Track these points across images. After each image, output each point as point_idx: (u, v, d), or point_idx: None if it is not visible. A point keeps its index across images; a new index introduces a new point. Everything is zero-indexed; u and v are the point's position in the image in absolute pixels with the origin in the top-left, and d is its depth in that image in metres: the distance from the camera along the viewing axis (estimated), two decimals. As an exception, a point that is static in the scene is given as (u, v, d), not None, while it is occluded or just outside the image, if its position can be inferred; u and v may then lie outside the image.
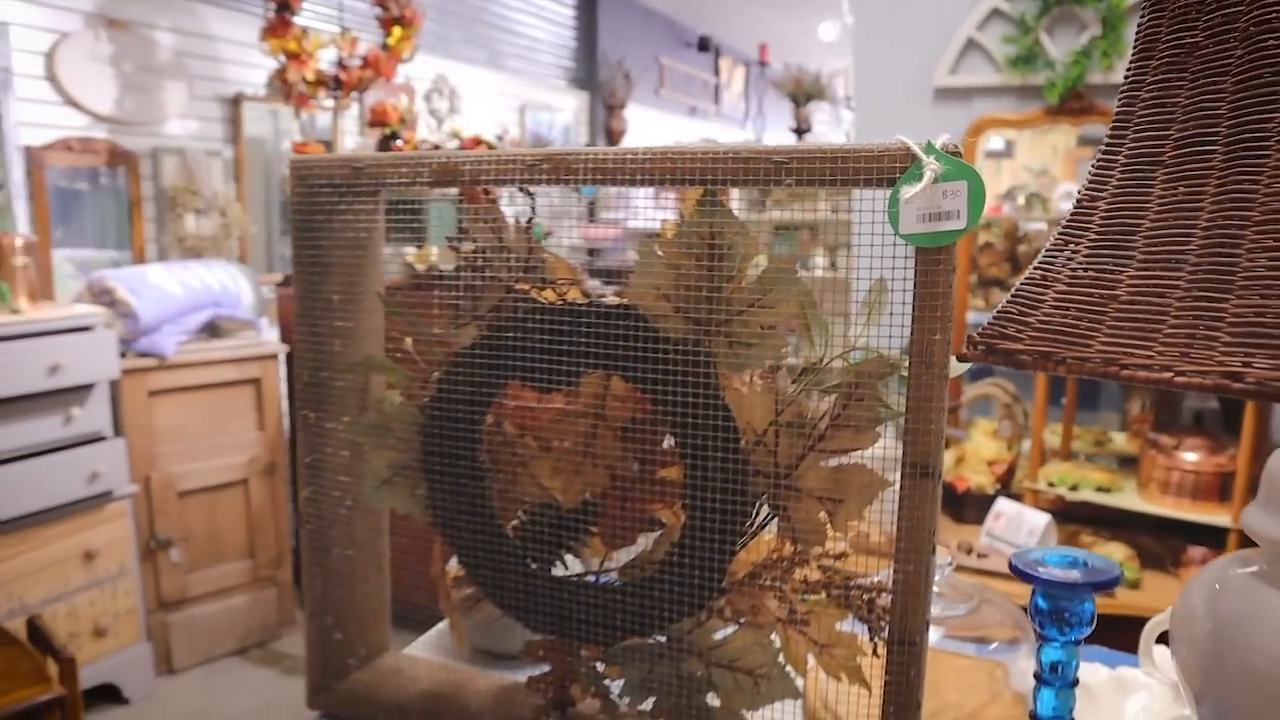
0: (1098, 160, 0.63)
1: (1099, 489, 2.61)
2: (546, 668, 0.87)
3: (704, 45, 8.90)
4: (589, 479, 0.81)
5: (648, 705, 0.82)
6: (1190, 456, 2.48)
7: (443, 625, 1.16)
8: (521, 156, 0.82)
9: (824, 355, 0.72)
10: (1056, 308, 0.59)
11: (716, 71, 9.33)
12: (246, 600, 3.39)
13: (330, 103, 3.47)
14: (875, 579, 0.73)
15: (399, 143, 3.32)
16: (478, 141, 3.22)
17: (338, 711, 0.99)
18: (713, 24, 8.66)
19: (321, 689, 1.00)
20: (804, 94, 7.18)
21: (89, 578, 2.86)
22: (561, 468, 0.82)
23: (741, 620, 0.77)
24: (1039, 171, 3.62)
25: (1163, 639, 0.92)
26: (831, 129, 9.23)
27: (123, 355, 2.98)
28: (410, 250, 3.29)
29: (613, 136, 7.03)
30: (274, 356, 3.34)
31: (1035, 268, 0.62)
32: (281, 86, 3.42)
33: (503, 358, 0.83)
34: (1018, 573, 0.67)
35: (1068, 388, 2.81)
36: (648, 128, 7.68)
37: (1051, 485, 2.67)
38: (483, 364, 0.84)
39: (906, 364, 0.67)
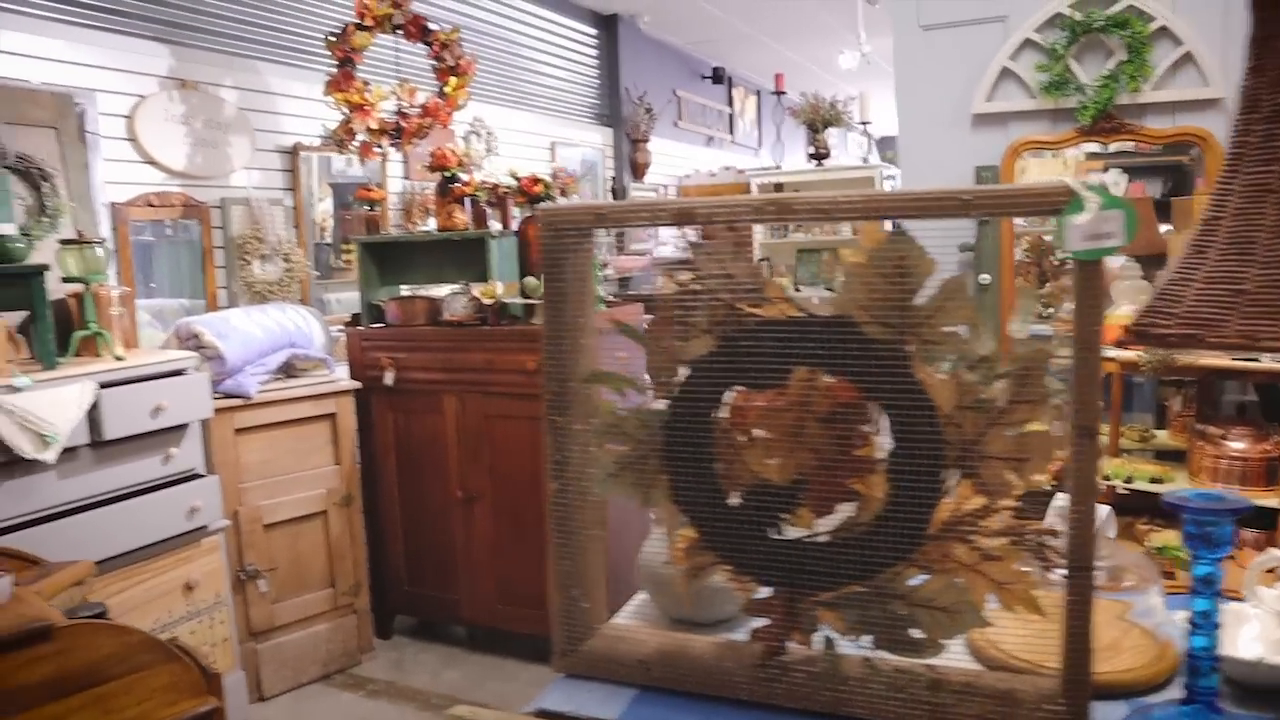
0: (1217, 189, 0.79)
1: (1152, 480, 2.76)
2: (766, 621, 1.03)
3: (717, 77, 9.14)
4: (798, 460, 0.97)
5: (867, 641, 0.98)
6: (1237, 445, 2.64)
7: (637, 600, 1.32)
8: (749, 201, 0.97)
9: (994, 350, 0.88)
10: (1198, 301, 0.75)
11: (730, 101, 9.56)
12: (328, 628, 3.53)
13: (391, 149, 3.66)
14: (1047, 523, 0.89)
15: (458, 185, 3.50)
16: (535, 180, 3.40)
17: (585, 671, 1.14)
18: (725, 56, 8.90)
19: (566, 652, 1.15)
20: (821, 120, 7.37)
21: (189, 608, 3.01)
22: (775, 452, 0.98)
23: (935, 566, 0.93)
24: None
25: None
26: (841, 152, 9.44)
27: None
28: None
29: (637, 168, 7.24)
30: (347, 393, 3.51)
31: (1175, 272, 0.78)
32: (345, 136, 3.61)
33: (735, 363, 0.99)
34: (1172, 506, 0.85)
35: (1113, 390, 2.95)
36: (668, 158, 7.89)
37: (1107, 479, 2.81)
38: (718, 369, 1.00)
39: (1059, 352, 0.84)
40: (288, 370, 3.46)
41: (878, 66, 7.98)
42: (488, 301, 3.36)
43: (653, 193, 7.51)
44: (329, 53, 3.65)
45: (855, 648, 1.00)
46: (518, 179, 3.44)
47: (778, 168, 8.58)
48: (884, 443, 0.93)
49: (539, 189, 3.44)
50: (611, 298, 3.51)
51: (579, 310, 1.14)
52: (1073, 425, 0.85)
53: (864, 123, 7.78)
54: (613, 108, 7.12)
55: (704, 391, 1.02)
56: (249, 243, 3.84)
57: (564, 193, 3.52)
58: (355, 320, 3.71)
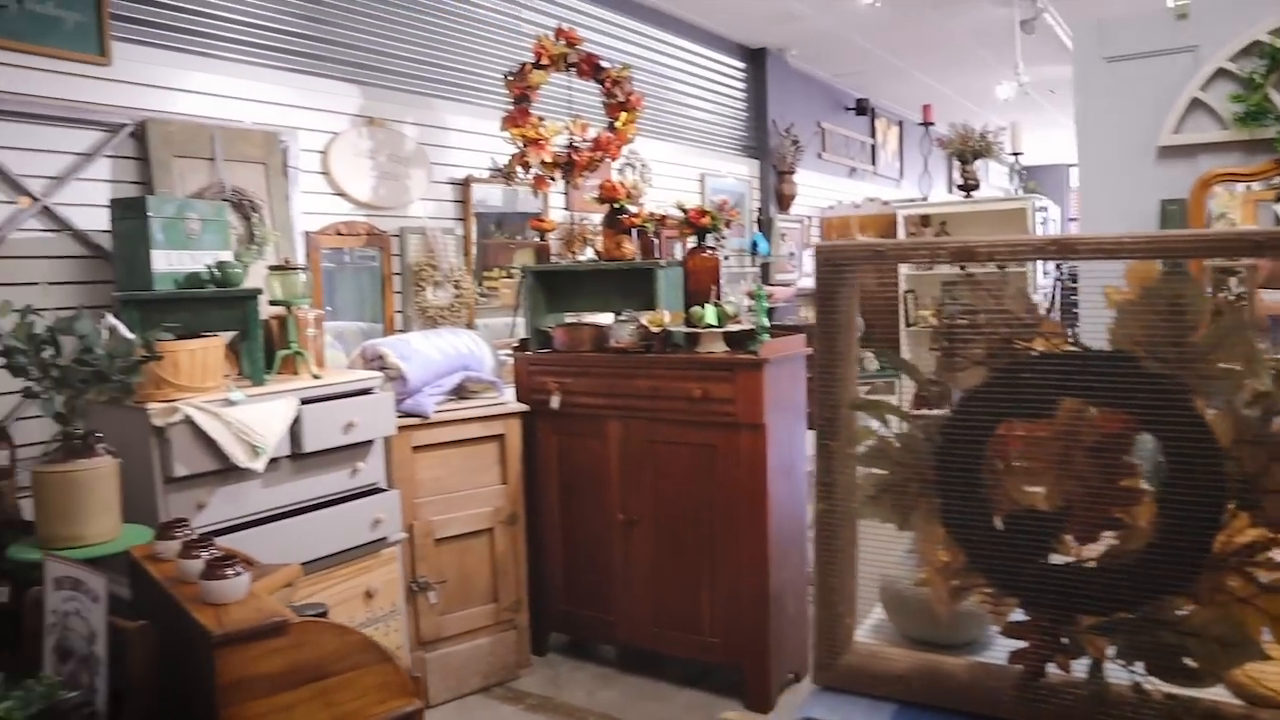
0: None
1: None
2: (1024, 644, 1.05)
3: (861, 108, 9.11)
4: (1064, 488, 0.99)
5: (1139, 668, 0.99)
6: None
7: (871, 621, 1.35)
8: (1031, 240, 1.01)
9: (1272, 387, 0.88)
10: None
11: (872, 132, 9.51)
12: (489, 641, 3.66)
13: (562, 181, 3.81)
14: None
15: (626, 216, 3.62)
16: (703, 213, 3.48)
17: (841, 684, 1.18)
18: (869, 88, 8.87)
19: (826, 666, 1.19)
20: (970, 152, 7.24)
21: (368, 615, 3.17)
22: (1041, 479, 1.00)
23: (1208, 598, 0.93)
24: (1217, 216, 3.66)
25: None
26: (982, 183, 9.24)
27: (394, 415, 3.32)
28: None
29: (783, 200, 7.27)
30: (515, 415, 3.65)
31: None
32: (520, 169, 3.78)
33: (1010, 394, 1.02)
34: None
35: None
36: (812, 189, 7.90)
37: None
38: (992, 399, 1.03)
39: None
40: (460, 392, 3.63)
41: (1029, 97, 7.81)
42: (655, 330, 3.44)
43: (797, 224, 7.52)
44: (495, 89, 3.84)
45: (1122, 673, 1.00)
46: (685, 211, 3.52)
47: (924, 199, 8.47)
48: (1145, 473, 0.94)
49: (706, 221, 3.52)
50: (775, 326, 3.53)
51: (846, 341, 1.19)
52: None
53: (1015, 153, 7.61)
54: (759, 139, 7.19)
55: (977, 420, 1.05)
56: (424, 270, 4.04)
57: (729, 225, 3.58)
58: (523, 345, 3.86)
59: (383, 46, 4.08)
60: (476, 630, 3.63)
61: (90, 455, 2.39)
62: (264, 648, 1.78)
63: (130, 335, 2.47)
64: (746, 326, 3.46)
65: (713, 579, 3.47)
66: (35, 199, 2.95)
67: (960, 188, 7.31)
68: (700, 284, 3.59)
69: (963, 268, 1.08)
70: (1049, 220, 7.52)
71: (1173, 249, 0.91)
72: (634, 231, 3.68)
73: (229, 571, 1.90)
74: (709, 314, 3.45)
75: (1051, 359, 0.99)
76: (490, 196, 4.51)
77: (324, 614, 2.09)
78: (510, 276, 4.51)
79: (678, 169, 6.05)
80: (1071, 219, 14.40)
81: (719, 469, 3.41)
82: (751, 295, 3.54)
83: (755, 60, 7.19)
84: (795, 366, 3.62)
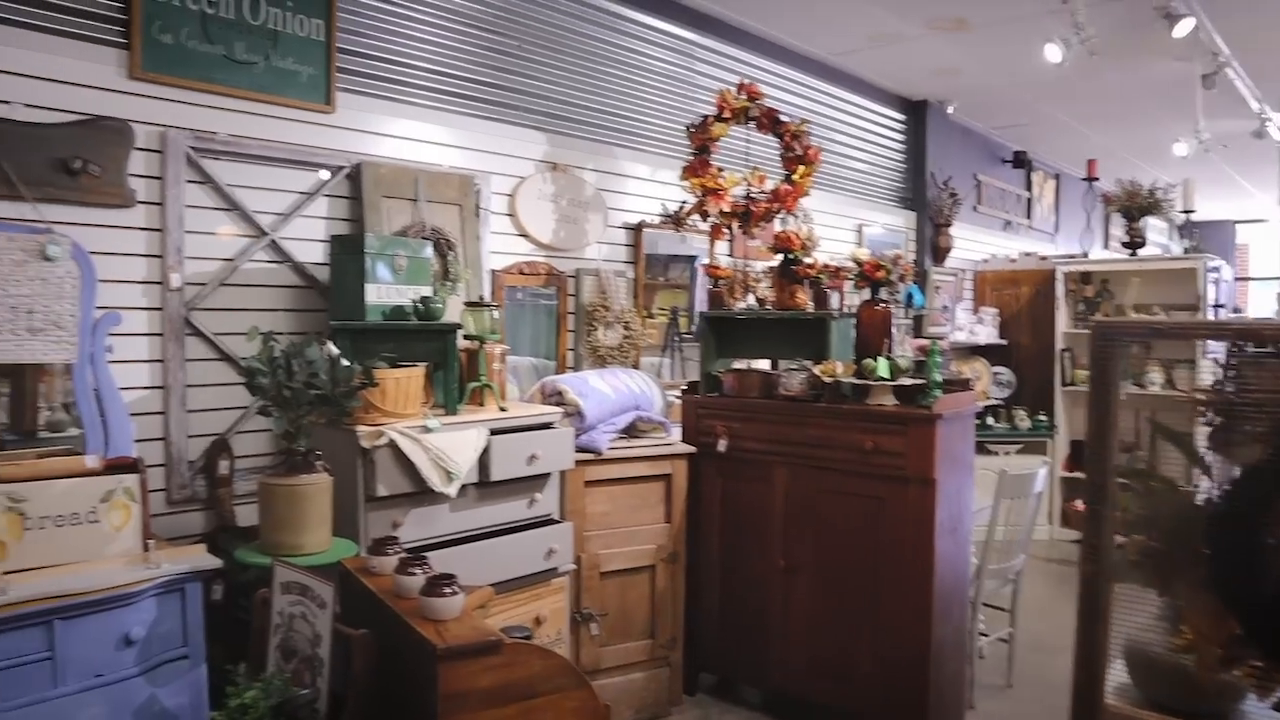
0: None
1: None
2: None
3: (1018, 161, 8.95)
4: None
5: None
6: None
7: (1114, 683, 1.34)
8: None
9: None
10: None
11: (1028, 185, 9.31)
12: (644, 676, 3.72)
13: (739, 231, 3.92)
14: None
15: (801, 266, 3.68)
16: (878, 266, 3.51)
17: None
18: (1028, 140, 8.71)
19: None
20: (1137, 208, 7.02)
21: (536, 642, 3.28)
22: None
23: None
24: None
25: None
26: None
27: (570, 449, 3.45)
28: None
29: (939, 252, 7.20)
30: (683, 456, 3.73)
31: None
32: (699, 217, 3.91)
33: None
34: None
35: None
36: (966, 242, 7.78)
37: None
38: (1273, 475, 1.05)
39: None
40: (631, 431, 3.74)
41: (1206, 153, 7.51)
42: (827, 380, 3.48)
43: (952, 277, 7.43)
44: (669, 138, 3.97)
45: None
46: (860, 263, 3.56)
47: (1084, 255, 8.24)
48: None
49: (881, 274, 3.54)
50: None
51: (1115, 411, 1.21)
52: None
53: (1187, 211, 7.32)
54: (917, 191, 7.16)
55: (1256, 495, 1.06)
56: (597, 310, 4.20)
57: (903, 279, 3.60)
58: (692, 387, 3.95)
59: (567, 97, 4.29)
60: (632, 664, 3.70)
61: (310, 471, 2.59)
62: (480, 664, 1.90)
63: (349, 363, 2.67)
64: (918, 380, 3.46)
65: (872, 631, 3.45)
66: (264, 233, 3.22)
67: (1125, 245, 7.09)
68: (872, 336, 3.61)
69: (1241, 347, 1.10)
70: (1220, 280, 7.20)
71: None
72: (806, 281, 3.74)
73: (447, 590, 2.02)
74: (881, 366, 3.47)
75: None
76: (648, 240, 4.65)
77: (529, 637, 2.19)
78: (652, 317, 4.61)
79: (836, 219, 6.09)
80: (1240, 278, 13.68)
81: (885, 521, 3.41)
82: (924, 350, 3.54)
83: (915, 112, 7.18)
84: (965, 423, 3.59)
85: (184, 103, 3.03)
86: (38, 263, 2.65)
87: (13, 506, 2.40)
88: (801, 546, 3.61)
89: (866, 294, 3.67)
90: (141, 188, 2.94)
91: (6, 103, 2.70)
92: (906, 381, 3.46)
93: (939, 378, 3.43)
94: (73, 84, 2.81)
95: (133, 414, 2.85)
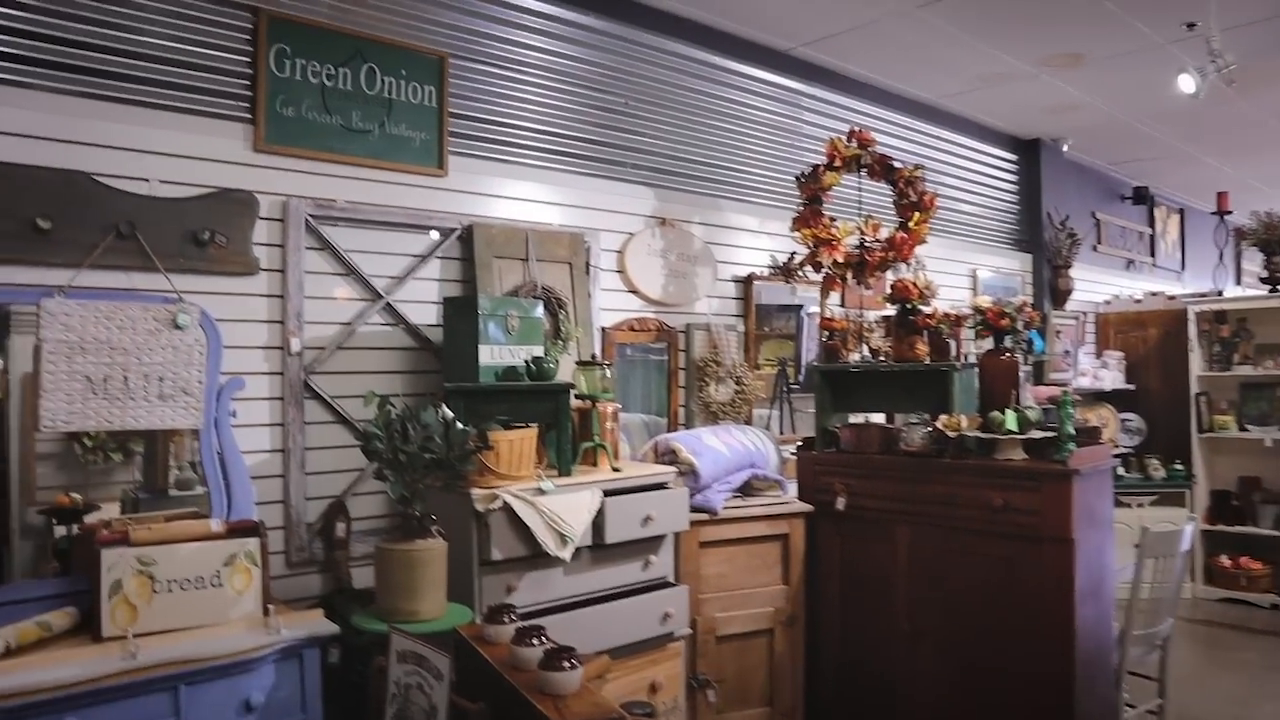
0: None
1: None
2: None
3: (1139, 197, 8.58)
4: None
5: None
6: None
7: None
8: None
9: None
10: None
11: (1151, 222, 8.90)
12: (764, 746, 3.57)
13: (854, 282, 3.81)
14: None
15: (920, 316, 3.54)
16: (1001, 314, 3.36)
17: None
18: (1149, 175, 8.35)
19: None
20: (1277, 241, 6.61)
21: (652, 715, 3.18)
22: None
23: None
24: None
25: None
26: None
27: (683, 509, 3.36)
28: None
29: (1058, 295, 6.91)
30: (800, 515, 3.60)
31: None
32: (811, 268, 3.82)
33: None
34: None
35: None
36: (1086, 284, 7.46)
37: None
38: None
39: None
40: (746, 489, 3.63)
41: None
42: (951, 434, 3.32)
43: (1073, 321, 7.11)
44: (777, 189, 3.90)
45: None
46: (982, 311, 3.41)
47: (1218, 293, 7.80)
48: None
49: (1005, 323, 3.38)
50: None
51: None
52: None
53: (1331, 245, 6.86)
54: (1032, 233, 6.90)
55: None
56: (708, 365, 4.13)
57: (1028, 326, 3.43)
58: (807, 443, 3.83)
59: (674, 151, 4.28)
60: (751, 733, 3.56)
61: (425, 536, 2.57)
62: (601, 743, 1.82)
63: (464, 426, 2.66)
64: (1049, 432, 3.27)
65: (1006, 703, 3.24)
66: (380, 296, 3.27)
67: (1264, 280, 6.67)
68: (997, 387, 3.45)
69: None
70: None
71: None
72: (925, 332, 3.60)
73: (566, 664, 1.95)
74: (1009, 419, 3.30)
75: None
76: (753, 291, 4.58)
77: (652, 714, 2.10)
78: (759, 368, 4.50)
79: (948, 265, 5.90)
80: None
81: (1018, 584, 3.21)
82: (1054, 400, 3.35)
83: (1027, 151, 6.95)
84: (1103, 477, 3.38)
85: (304, 172, 3.12)
86: (169, 331, 2.74)
87: (143, 570, 2.45)
88: (927, 610, 3.43)
89: (987, 343, 3.51)
90: (264, 255, 3.02)
91: (145, 180, 2.82)
92: (1037, 435, 3.28)
93: (1072, 429, 3.24)
94: (202, 159, 2.91)
95: (254, 476, 2.90)
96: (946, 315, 3.52)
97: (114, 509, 2.74)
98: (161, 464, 2.89)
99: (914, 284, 3.55)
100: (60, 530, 2.65)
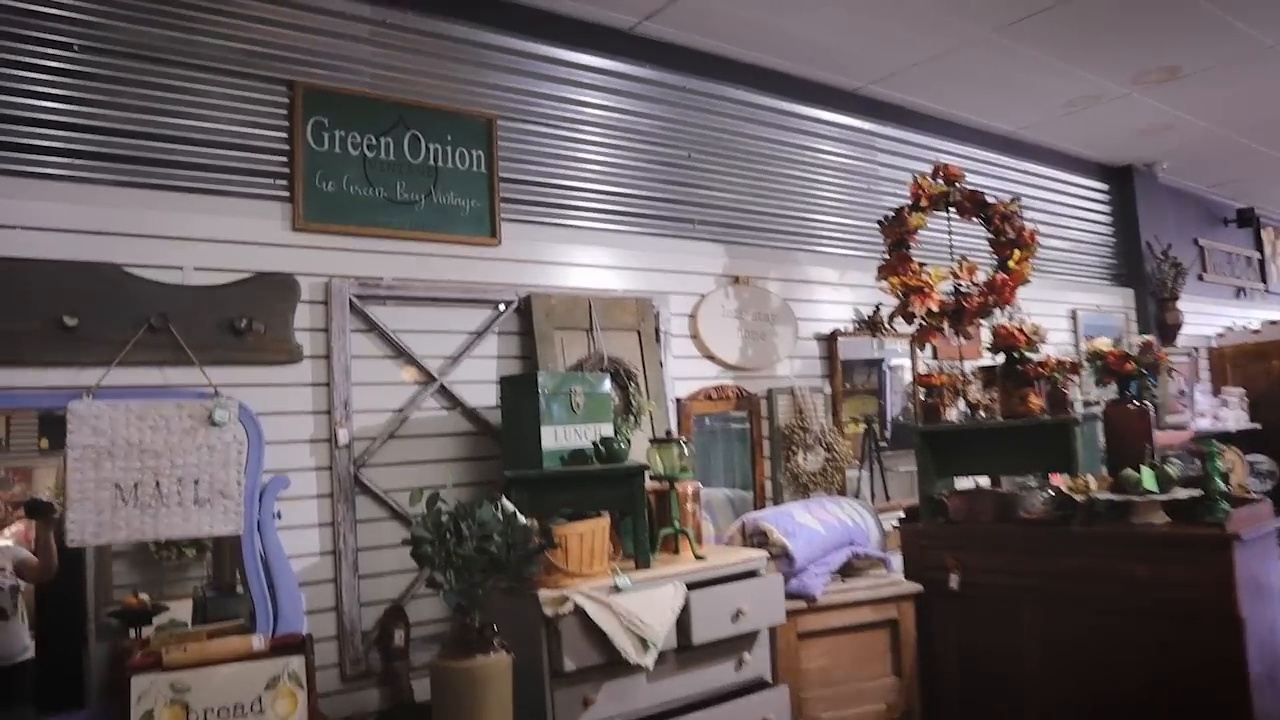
0: None
1: None
2: None
3: (1244, 219, 8.01)
4: None
5: None
6: None
7: None
8: None
9: None
10: None
11: (1258, 245, 8.31)
12: None
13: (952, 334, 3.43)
14: None
15: (1030, 364, 3.16)
16: (1125, 358, 2.96)
17: None
18: (1254, 195, 7.80)
19: None
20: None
21: (758, 832, 2.79)
22: None
23: None
24: None
25: None
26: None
27: (777, 597, 3.00)
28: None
29: (1166, 330, 6.38)
30: (910, 597, 3.20)
31: None
32: (903, 320, 3.46)
33: None
34: None
35: None
36: (1193, 315, 6.91)
37: None
38: None
39: None
40: (846, 570, 3.25)
41: None
42: (1078, 498, 2.91)
43: (1186, 357, 6.56)
44: (857, 238, 3.57)
45: None
46: (1101, 355, 3.01)
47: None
48: None
49: (1130, 367, 2.98)
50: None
51: None
52: None
53: None
54: (1132, 265, 6.42)
55: None
56: (794, 432, 3.78)
57: (1155, 370, 3.02)
58: (911, 513, 3.43)
59: (743, 204, 3.99)
60: None
61: (487, 650, 2.27)
62: None
63: (526, 521, 2.36)
64: (1194, 491, 2.84)
65: (1173, 815, 2.77)
66: (433, 378, 3.02)
67: (1400, 303, 6.08)
68: (1128, 441, 3.03)
69: None
70: None
71: None
72: (1037, 382, 3.20)
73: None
74: (1146, 478, 2.87)
75: None
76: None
77: None
78: (845, 431, 4.12)
79: (1046, 306, 5.46)
80: None
81: (1176, 672, 2.76)
82: (1198, 454, 2.92)
83: (1119, 179, 6.50)
84: (1267, 542, 2.92)
85: (347, 250, 2.91)
86: (205, 429, 2.52)
87: (176, 699, 2.21)
88: (1065, 706, 2.98)
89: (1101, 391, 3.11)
90: (307, 341, 2.80)
91: (179, 268, 2.64)
92: (1181, 494, 2.85)
93: (1224, 487, 2.80)
94: (238, 242, 2.73)
95: (302, 583, 2.65)
96: (1060, 362, 3.12)
97: (185, 607, 2.62)
98: (230, 561, 2.68)
99: (1019, 329, 3.17)
100: (132, 633, 2.49)
